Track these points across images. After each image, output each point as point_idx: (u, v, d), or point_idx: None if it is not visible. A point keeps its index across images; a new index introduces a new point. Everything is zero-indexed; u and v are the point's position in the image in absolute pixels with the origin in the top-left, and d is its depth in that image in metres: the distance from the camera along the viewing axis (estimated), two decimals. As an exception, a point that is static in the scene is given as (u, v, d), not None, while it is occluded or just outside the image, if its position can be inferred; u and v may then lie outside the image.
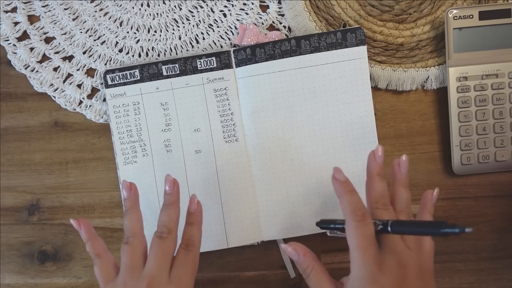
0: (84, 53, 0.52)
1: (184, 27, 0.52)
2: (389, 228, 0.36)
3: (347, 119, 0.48)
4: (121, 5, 0.52)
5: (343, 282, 0.38)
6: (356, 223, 0.36)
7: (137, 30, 0.52)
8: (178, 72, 0.49)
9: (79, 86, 0.52)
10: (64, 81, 0.52)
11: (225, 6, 0.52)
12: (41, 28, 0.52)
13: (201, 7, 0.52)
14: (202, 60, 0.49)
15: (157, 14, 0.52)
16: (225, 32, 0.52)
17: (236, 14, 0.51)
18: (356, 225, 0.36)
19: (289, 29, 0.51)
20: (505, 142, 0.48)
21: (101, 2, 0.52)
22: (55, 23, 0.52)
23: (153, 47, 0.52)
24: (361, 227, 0.36)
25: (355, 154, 0.48)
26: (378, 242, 0.37)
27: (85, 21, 0.52)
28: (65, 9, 0.52)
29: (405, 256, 0.36)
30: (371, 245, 0.36)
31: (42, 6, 0.52)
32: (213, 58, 0.49)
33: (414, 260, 0.37)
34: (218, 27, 0.52)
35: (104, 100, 0.51)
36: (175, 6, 0.52)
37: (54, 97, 0.52)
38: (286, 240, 0.50)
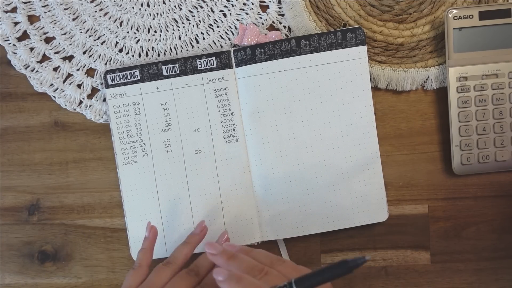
0: (84, 53, 0.52)
1: (184, 27, 0.52)
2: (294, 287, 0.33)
3: (347, 119, 0.48)
4: (121, 5, 0.52)
5: None
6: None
7: (137, 30, 0.52)
8: (178, 72, 0.49)
9: (79, 86, 0.52)
10: (64, 81, 0.52)
11: (225, 6, 0.52)
12: (41, 28, 0.52)
13: (201, 7, 0.52)
14: (202, 60, 0.49)
15: (157, 14, 0.52)
16: (225, 32, 0.52)
17: (236, 14, 0.51)
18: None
19: (289, 29, 0.51)
20: (505, 142, 0.48)
21: (101, 2, 0.52)
22: (55, 23, 0.52)
23: (153, 47, 0.52)
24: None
25: (355, 154, 0.48)
26: None
27: (85, 21, 0.52)
28: (65, 9, 0.52)
29: None
30: None
31: (42, 6, 0.52)
32: (213, 58, 0.49)
33: None
34: (218, 27, 0.52)
35: (104, 100, 0.51)
36: (175, 6, 0.52)
37: (54, 97, 0.52)
38: (286, 240, 0.50)
